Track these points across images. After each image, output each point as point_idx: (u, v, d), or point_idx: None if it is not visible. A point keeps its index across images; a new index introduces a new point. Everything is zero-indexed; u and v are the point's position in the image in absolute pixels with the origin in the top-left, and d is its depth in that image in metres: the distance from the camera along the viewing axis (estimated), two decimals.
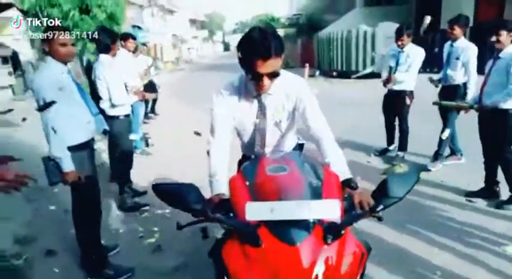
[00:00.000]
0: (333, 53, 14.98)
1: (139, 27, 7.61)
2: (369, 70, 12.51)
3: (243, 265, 1.18)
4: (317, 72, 16.11)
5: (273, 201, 1.24)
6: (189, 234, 2.79)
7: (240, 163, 2.04)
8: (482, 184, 3.68)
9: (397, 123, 4.88)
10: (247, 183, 1.43)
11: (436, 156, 4.46)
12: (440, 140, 4.37)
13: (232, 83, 1.77)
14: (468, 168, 4.23)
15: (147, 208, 3.72)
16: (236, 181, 1.47)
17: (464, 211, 3.39)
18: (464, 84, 4.15)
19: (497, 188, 3.60)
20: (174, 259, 2.79)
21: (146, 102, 7.49)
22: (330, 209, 1.17)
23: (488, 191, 3.62)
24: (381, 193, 1.24)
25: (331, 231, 1.18)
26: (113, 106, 3.52)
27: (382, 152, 5.13)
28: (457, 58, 4.13)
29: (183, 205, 1.23)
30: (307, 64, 14.70)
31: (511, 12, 11.84)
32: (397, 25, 4.75)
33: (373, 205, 1.26)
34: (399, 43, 4.51)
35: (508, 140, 3.32)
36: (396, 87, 4.65)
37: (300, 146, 2.12)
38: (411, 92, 4.65)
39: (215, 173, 1.66)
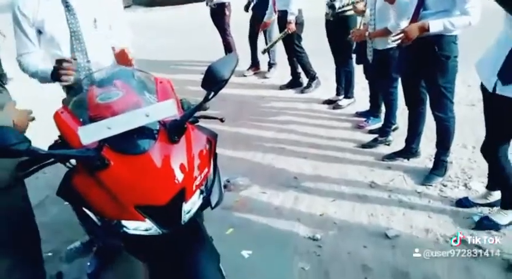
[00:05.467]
0: None
1: None
2: None
3: (99, 190, 1.12)
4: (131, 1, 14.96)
5: None
6: None
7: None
8: (290, 78, 4.60)
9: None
10: (77, 115, 1.29)
11: (270, 65, 5.06)
12: (268, 53, 4.79)
13: None
14: (279, 69, 5.07)
15: None
16: (62, 114, 1.28)
17: (279, 100, 4.26)
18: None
19: (300, 79, 4.55)
20: None
21: None
22: (167, 109, 1.14)
23: (295, 82, 4.57)
24: (209, 80, 1.22)
25: (174, 129, 1.19)
26: None
27: None
28: None
29: (2, 151, 0.97)
30: None
31: None
32: None
33: (206, 94, 1.24)
34: None
35: (296, 37, 4.15)
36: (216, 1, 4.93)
37: None
38: (228, 4, 4.96)
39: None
